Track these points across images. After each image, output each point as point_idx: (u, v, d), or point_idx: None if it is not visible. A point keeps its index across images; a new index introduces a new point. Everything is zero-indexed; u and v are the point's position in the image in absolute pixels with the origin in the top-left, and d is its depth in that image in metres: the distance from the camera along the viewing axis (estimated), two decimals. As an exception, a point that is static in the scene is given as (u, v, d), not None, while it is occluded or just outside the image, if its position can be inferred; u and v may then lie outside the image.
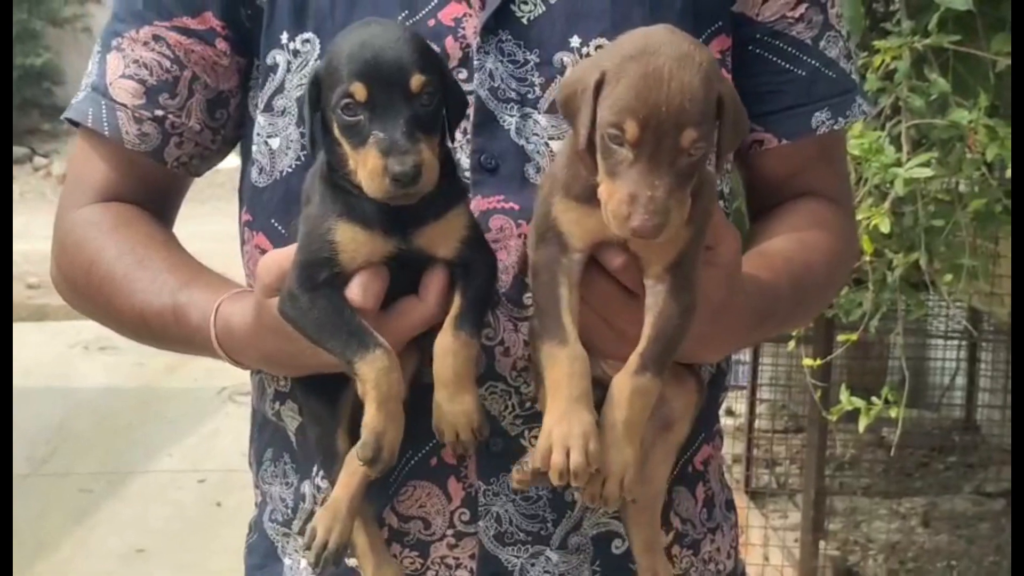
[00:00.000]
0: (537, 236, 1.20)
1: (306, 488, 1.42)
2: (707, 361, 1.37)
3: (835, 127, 1.45)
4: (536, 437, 1.28)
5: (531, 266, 1.21)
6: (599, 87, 1.10)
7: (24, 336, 9.58)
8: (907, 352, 5.60)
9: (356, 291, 1.17)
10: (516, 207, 1.29)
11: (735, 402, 5.79)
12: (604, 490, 1.16)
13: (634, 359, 1.16)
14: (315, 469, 1.40)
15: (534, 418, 1.30)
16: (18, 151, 19.98)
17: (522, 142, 1.31)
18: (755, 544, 4.46)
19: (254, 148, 1.40)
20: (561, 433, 1.15)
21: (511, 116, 1.31)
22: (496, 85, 1.31)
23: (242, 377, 6.09)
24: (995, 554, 4.42)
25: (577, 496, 1.34)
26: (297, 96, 1.29)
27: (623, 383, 1.16)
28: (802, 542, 4.00)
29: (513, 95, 1.31)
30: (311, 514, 1.40)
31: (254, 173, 1.40)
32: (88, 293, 1.46)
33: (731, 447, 5.15)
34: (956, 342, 5.44)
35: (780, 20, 1.42)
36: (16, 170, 19.40)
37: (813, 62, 1.43)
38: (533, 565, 1.35)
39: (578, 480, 1.15)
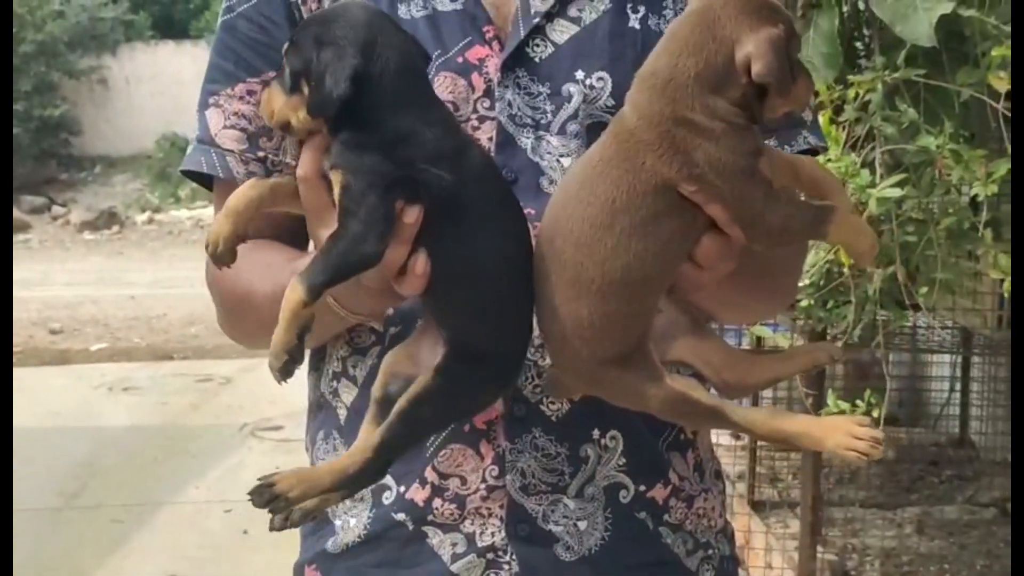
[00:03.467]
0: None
1: None
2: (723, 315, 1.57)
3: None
4: (553, 402, 1.56)
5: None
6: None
7: (49, 379, 9.82)
8: (903, 370, 5.86)
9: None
10: (532, 212, 1.53)
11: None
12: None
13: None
14: None
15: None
16: (36, 200, 20.25)
17: (537, 159, 1.58)
18: (757, 549, 4.66)
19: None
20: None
21: (527, 138, 1.58)
22: (514, 112, 1.58)
23: (262, 413, 6.37)
24: (986, 558, 4.60)
25: (590, 452, 1.59)
26: None
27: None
28: (800, 546, 4.21)
29: (529, 121, 1.58)
30: None
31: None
32: (237, 313, 1.67)
33: (734, 463, 5.38)
34: (949, 359, 5.64)
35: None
36: (35, 219, 19.65)
37: None
38: (553, 511, 1.58)
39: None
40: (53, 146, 21.52)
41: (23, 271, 14.70)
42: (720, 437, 5.26)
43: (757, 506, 5.13)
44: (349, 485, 1.42)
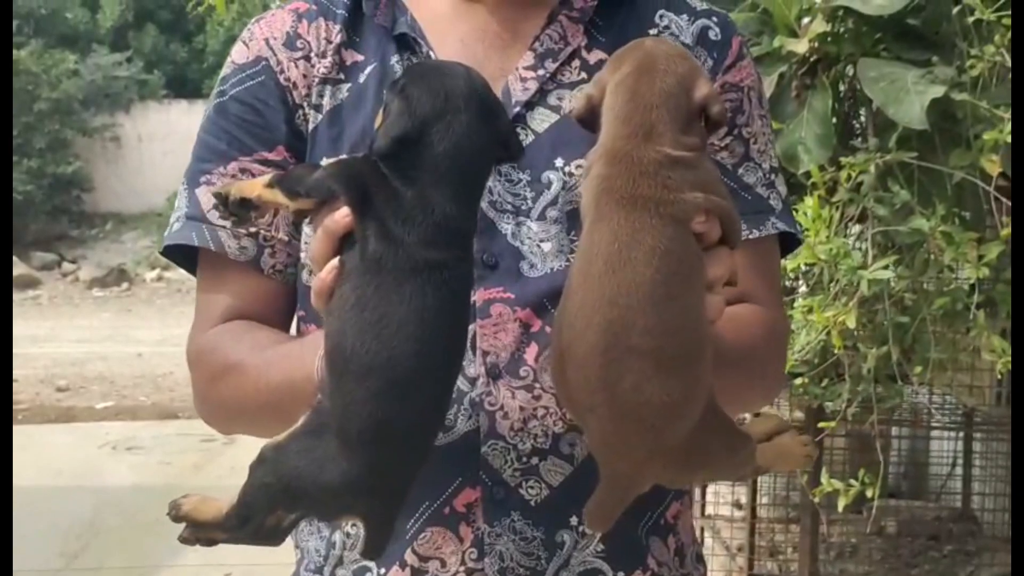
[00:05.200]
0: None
1: (336, 537, 1.66)
2: None
3: (749, 235, 1.66)
4: (531, 487, 1.57)
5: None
6: None
7: (54, 437, 9.81)
8: (905, 444, 5.84)
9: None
10: (512, 296, 1.56)
11: (741, 497, 5.99)
12: None
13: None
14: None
15: (529, 471, 1.56)
16: (46, 257, 20.33)
17: (517, 244, 1.59)
18: (756, 625, 4.65)
19: (303, 255, 1.67)
20: None
21: (508, 224, 1.60)
22: (495, 199, 1.60)
23: (267, 473, 6.19)
24: (987, 636, 4.59)
25: (566, 537, 1.59)
26: None
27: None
28: (798, 622, 4.19)
29: (509, 207, 1.60)
30: (340, 559, 1.65)
31: (304, 275, 1.67)
32: (223, 397, 1.66)
33: (733, 536, 5.35)
34: (952, 435, 5.63)
35: (708, 147, 1.69)
36: (44, 275, 19.71)
37: (731, 184, 1.68)
38: None
39: None
40: (65, 203, 21.66)
41: (32, 327, 14.76)
42: (719, 508, 5.25)
43: (757, 582, 5.10)
44: (227, 528, 1.42)
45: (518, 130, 1.62)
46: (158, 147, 22.35)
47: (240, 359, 1.61)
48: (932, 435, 5.76)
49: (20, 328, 12.67)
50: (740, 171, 1.72)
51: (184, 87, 24.94)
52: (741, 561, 5.18)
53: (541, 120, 1.64)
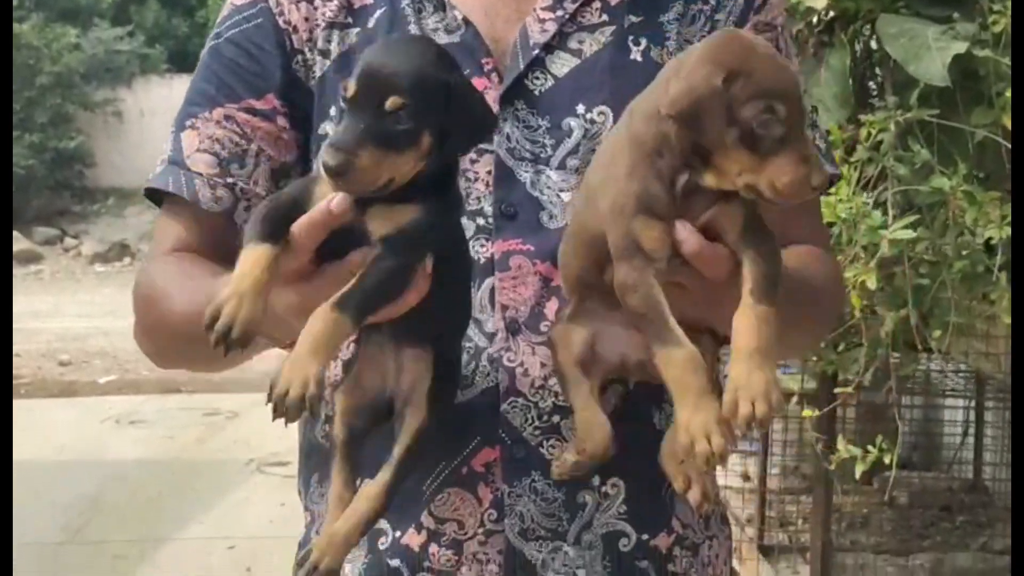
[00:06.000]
0: (619, 253, 1.32)
1: None
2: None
3: None
4: (553, 446, 1.51)
5: (620, 283, 1.31)
6: (727, 86, 1.24)
7: (56, 412, 9.78)
8: (916, 414, 5.78)
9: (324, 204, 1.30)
10: (532, 248, 1.51)
11: (750, 467, 5.94)
12: (756, 411, 1.25)
13: (747, 296, 1.29)
14: (357, 482, 1.60)
15: (550, 429, 1.51)
16: (49, 232, 20.29)
17: (536, 194, 1.54)
18: (766, 595, 4.60)
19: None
20: (699, 423, 1.26)
21: (526, 172, 1.54)
22: (512, 146, 1.54)
23: (268, 448, 6.32)
24: (1001, 607, 4.54)
25: (587, 498, 1.54)
26: None
27: (745, 317, 1.28)
28: (810, 593, 4.15)
29: (527, 155, 1.54)
30: None
31: None
32: (151, 324, 1.62)
33: (744, 507, 5.31)
34: (963, 404, 5.57)
35: None
36: (46, 250, 19.68)
37: None
38: (554, 559, 1.54)
39: (723, 463, 1.29)
40: (67, 178, 21.58)
41: (34, 302, 14.73)
42: (729, 479, 5.20)
43: (767, 551, 5.05)
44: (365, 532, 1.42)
45: (537, 74, 1.57)
46: (160, 122, 22.16)
47: (165, 286, 1.57)
48: (944, 403, 5.70)
49: (22, 303, 12.65)
50: None
51: (186, 61, 24.76)
52: (751, 532, 5.14)
53: (561, 64, 1.57)
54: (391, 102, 1.25)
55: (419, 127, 1.26)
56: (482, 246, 1.53)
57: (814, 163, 1.25)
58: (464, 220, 1.50)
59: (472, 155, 1.53)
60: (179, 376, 11.07)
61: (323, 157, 1.25)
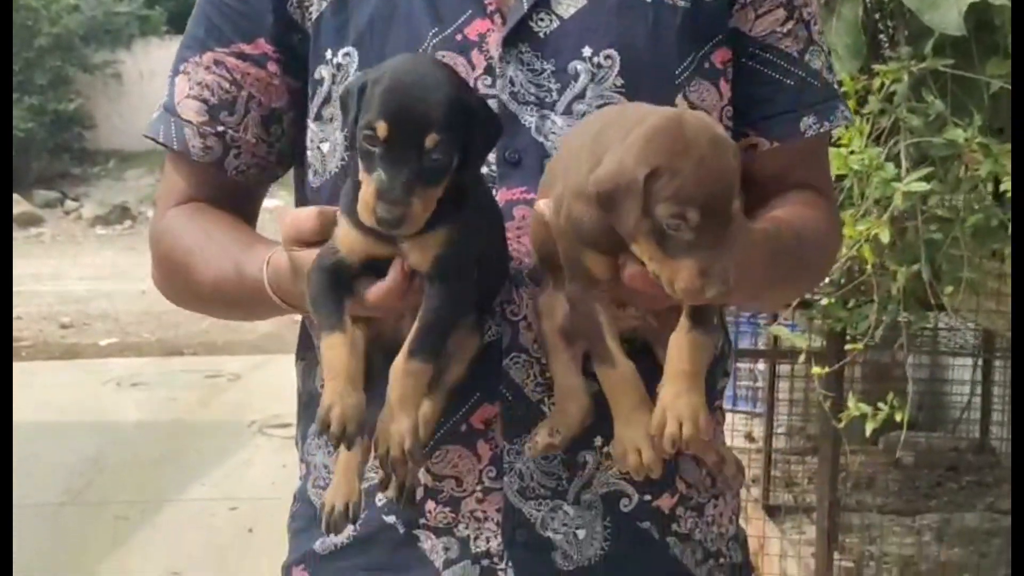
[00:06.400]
0: (568, 270, 1.36)
1: None
2: (734, 303, 1.52)
3: (820, 130, 1.61)
4: (555, 403, 1.45)
5: (567, 297, 1.37)
6: (648, 182, 1.23)
7: (58, 374, 9.77)
8: (922, 373, 5.74)
9: (371, 293, 1.33)
10: (536, 197, 1.44)
11: (754, 428, 5.91)
12: (684, 433, 1.30)
13: (684, 320, 1.31)
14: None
15: (552, 386, 1.46)
16: (49, 195, 20.21)
17: (541, 139, 1.48)
18: (772, 555, 4.57)
19: (309, 154, 1.57)
20: (630, 438, 1.33)
21: (531, 117, 1.48)
22: (516, 90, 1.48)
23: (271, 410, 6.30)
24: (1007, 567, 4.50)
25: (588, 457, 1.50)
26: (340, 94, 1.40)
27: (684, 337, 1.32)
28: (817, 552, 4.11)
29: (532, 99, 1.48)
30: None
31: (310, 175, 1.58)
32: (174, 278, 1.64)
33: (749, 467, 5.27)
34: (971, 363, 5.53)
35: (771, 34, 1.58)
36: (47, 213, 19.60)
37: (800, 73, 1.59)
38: (553, 518, 1.50)
39: (655, 473, 1.35)
40: (67, 140, 21.47)
41: (35, 265, 14.68)
42: (734, 439, 5.17)
43: (772, 511, 5.03)
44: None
45: (542, 15, 1.50)
46: (160, 83, 21.56)
47: (187, 248, 1.58)
48: (951, 363, 5.65)
49: (23, 266, 12.61)
50: (807, 56, 1.61)
51: (185, 23, 24.62)
52: (756, 492, 5.11)
53: (567, 5, 1.51)
54: (431, 140, 1.25)
55: (452, 154, 1.28)
56: None
57: (715, 276, 1.23)
58: None
59: None
60: (181, 339, 11.07)
61: (376, 211, 1.25)
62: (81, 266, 15.82)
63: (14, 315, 10.30)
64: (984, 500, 5.19)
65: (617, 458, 1.36)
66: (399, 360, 1.32)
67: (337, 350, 1.31)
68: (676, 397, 1.30)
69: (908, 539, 4.75)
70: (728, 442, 1.75)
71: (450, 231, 1.31)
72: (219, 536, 6.03)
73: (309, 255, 1.35)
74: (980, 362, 5.42)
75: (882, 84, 2.75)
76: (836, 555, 4.27)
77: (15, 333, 10.35)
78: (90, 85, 22.01)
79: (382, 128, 1.25)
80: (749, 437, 5.86)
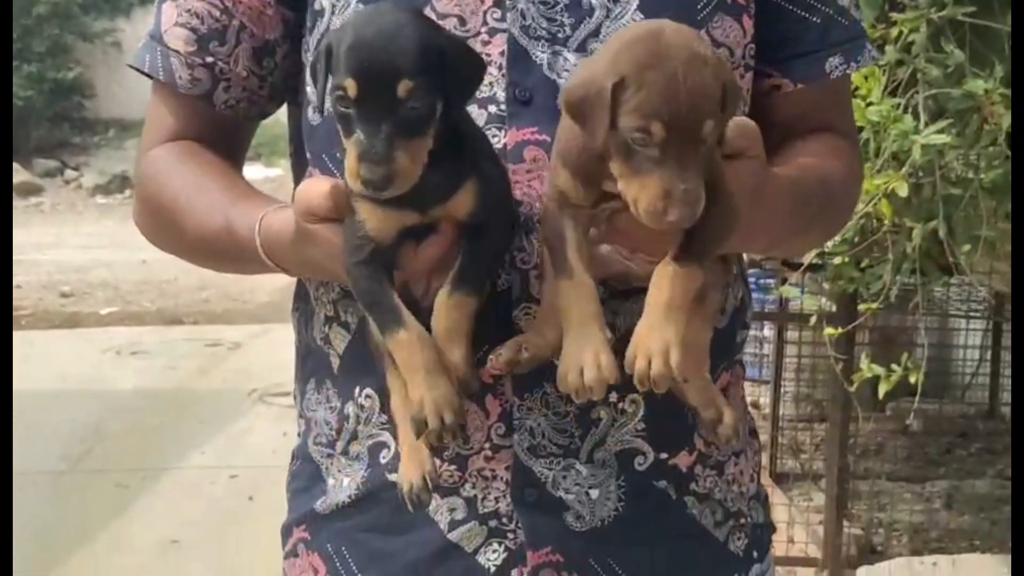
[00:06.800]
0: (549, 188, 1.31)
1: (349, 409, 1.50)
2: (754, 250, 1.44)
3: (847, 71, 1.53)
4: (534, 321, 1.38)
5: (542, 210, 1.32)
6: (616, 92, 1.16)
7: (58, 343, 9.73)
8: (931, 339, 5.66)
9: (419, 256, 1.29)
10: (548, 138, 1.36)
11: (761, 396, 5.85)
12: (652, 370, 1.22)
13: (673, 250, 1.23)
14: (358, 390, 1.48)
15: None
16: (49, 164, 20.13)
17: (553, 76, 1.39)
18: (779, 523, 4.50)
19: (308, 90, 1.48)
20: (574, 355, 1.25)
21: (543, 52, 1.40)
22: (527, 24, 1.40)
23: (271, 378, 6.23)
24: (1018, 534, 4.46)
25: (602, 414, 1.42)
26: (311, 60, 1.35)
27: (664, 269, 1.23)
28: (826, 520, 4.04)
29: (544, 33, 1.40)
30: (355, 433, 1.49)
31: (309, 112, 1.49)
32: (158, 223, 1.57)
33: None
34: (980, 331, 5.46)
35: None
36: (47, 183, 19.54)
37: (827, 10, 1.51)
38: (564, 477, 1.43)
39: (595, 394, 1.25)
40: (66, 109, 21.34)
41: (35, 234, 14.64)
42: (741, 405, 5.11)
43: (779, 478, 4.97)
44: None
45: None
46: None
47: (174, 194, 1.51)
48: (960, 327, 5.58)
49: (23, 235, 12.56)
50: None
51: (185, -9, 24.51)
52: (763, 459, 5.05)
53: None
54: (403, 88, 1.19)
55: (431, 100, 1.21)
56: (494, 136, 1.39)
57: (677, 198, 1.15)
58: (475, 109, 1.37)
59: (483, 36, 1.40)
60: (181, 308, 11.02)
61: (360, 174, 1.19)
62: (81, 235, 15.76)
63: (14, 284, 10.25)
64: (994, 467, 5.14)
65: (560, 378, 1.27)
66: (442, 294, 1.28)
67: (407, 348, 1.27)
68: (649, 330, 1.23)
69: (917, 506, 4.70)
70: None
71: (470, 189, 1.27)
72: (219, 504, 5.99)
73: (324, 230, 1.29)
74: (989, 328, 5.35)
75: (900, 33, 2.66)
76: (845, 522, 4.21)
77: (15, 302, 10.30)
78: (89, 54, 21.87)
79: (351, 86, 1.19)
80: (755, 405, 5.79)
